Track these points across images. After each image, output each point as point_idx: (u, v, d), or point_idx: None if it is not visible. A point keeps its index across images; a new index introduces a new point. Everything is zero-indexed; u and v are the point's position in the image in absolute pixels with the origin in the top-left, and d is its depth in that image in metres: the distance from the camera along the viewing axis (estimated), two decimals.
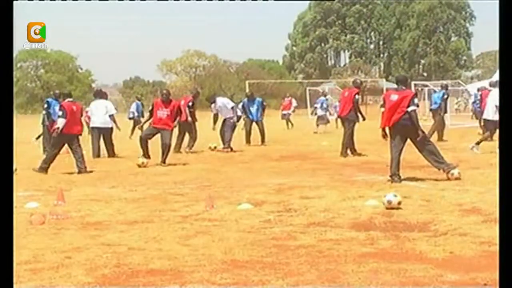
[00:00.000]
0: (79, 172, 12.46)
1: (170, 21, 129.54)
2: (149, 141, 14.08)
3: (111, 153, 16.09)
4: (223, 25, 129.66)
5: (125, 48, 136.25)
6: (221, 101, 17.87)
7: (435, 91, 22.92)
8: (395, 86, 10.91)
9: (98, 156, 16.00)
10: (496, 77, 29.19)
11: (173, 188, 10.25)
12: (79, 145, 12.89)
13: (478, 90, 24.68)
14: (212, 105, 17.70)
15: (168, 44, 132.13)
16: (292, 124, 31.18)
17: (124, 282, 4.95)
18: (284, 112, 32.81)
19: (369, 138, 17.36)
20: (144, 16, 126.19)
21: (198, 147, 17.46)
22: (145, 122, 15.10)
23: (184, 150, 16.89)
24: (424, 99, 37.08)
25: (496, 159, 10.57)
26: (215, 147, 17.32)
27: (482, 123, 19.71)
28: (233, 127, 17.39)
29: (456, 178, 10.17)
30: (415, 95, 10.71)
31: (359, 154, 14.92)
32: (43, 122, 16.99)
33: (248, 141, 19.13)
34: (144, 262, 5.47)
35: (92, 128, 16.67)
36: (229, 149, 16.93)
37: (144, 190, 9.98)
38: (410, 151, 10.69)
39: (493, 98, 14.04)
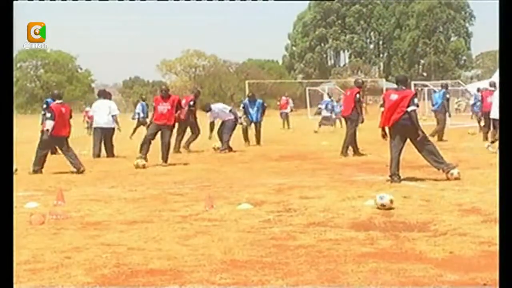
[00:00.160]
0: (78, 172, 12.45)
1: (170, 21, 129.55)
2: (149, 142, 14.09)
3: (110, 153, 16.08)
4: (223, 25, 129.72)
5: (125, 48, 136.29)
6: (217, 107, 17.87)
7: (435, 91, 22.94)
8: (395, 86, 10.92)
9: (99, 156, 16.00)
10: (495, 77, 29.22)
11: (173, 188, 10.24)
12: (69, 146, 12.91)
13: (478, 90, 24.71)
14: (208, 113, 17.66)
15: (168, 44, 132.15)
16: (288, 126, 31.20)
17: (123, 282, 4.95)
18: (281, 111, 32.95)
19: (369, 138, 17.35)
20: (144, 16, 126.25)
21: (199, 147, 17.47)
22: (151, 120, 15.23)
23: (182, 146, 16.92)
24: (424, 99, 37.12)
25: (496, 159, 10.57)
26: (218, 148, 17.36)
27: (482, 123, 19.74)
28: (232, 127, 17.38)
29: (456, 178, 10.17)
30: (415, 95, 10.71)
31: (361, 154, 14.92)
32: (42, 123, 16.97)
33: (246, 138, 19.13)
34: (144, 262, 5.47)
35: (95, 128, 16.65)
36: (228, 150, 16.92)
37: (144, 190, 9.98)
38: (409, 151, 10.69)
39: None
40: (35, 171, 12.51)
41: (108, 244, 6.18)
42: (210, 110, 17.55)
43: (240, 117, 18.25)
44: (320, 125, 27.01)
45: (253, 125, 19.47)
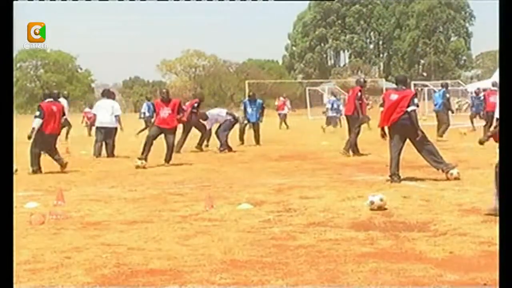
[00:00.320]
0: (62, 166, 12.60)
1: (170, 21, 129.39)
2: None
3: (111, 153, 16.06)
4: (223, 25, 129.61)
5: (125, 48, 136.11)
6: (213, 113, 17.87)
7: (435, 91, 22.95)
8: (395, 86, 10.92)
9: (99, 155, 16.00)
10: (495, 77, 29.23)
11: (173, 188, 10.25)
12: (55, 145, 13.13)
13: (477, 92, 24.75)
14: (206, 122, 17.66)
15: (168, 44, 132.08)
16: (287, 126, 31.20)
17: (123, 282, 4.95)
18: (279, 112, 33.02)
19: (369, 138, 17.35)
20: (144, 16, 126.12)
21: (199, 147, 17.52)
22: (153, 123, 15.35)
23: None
24: (424, 99, 37.12)
25: (496, 159, 10.55)
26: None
27: (483, 123, 19.75)
28: (229, 127, 17.39)
29: (456, 178, 10.18)
30: (415, 95, 10.71)
31: (361, 154, 14.93)
32: None
33: (241, 138, 19.12)
34: (144, 262, 5.47)
35: (97, 127, 16.64)
36: (227, 150, 16.94)
37: (144, 190, 9.98)
38: (409, 151, 10.69)
39: None
40: (34, 171, 12.51)
41: (108, 244, 6.18)
42: (207, 118, 17.53)
43: (238, 117, 18.27)
44: (327, 125, 27.02)
45: (251, 125, 19.53)
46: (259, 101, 19.98)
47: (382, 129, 10.66)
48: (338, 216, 7.42)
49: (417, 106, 10.48)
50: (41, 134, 12.67)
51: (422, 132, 10.37)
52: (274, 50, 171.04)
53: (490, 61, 76.05)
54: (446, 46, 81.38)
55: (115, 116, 16.33)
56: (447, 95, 20.33)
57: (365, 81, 16.76)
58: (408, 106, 10.18)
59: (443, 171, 10.33)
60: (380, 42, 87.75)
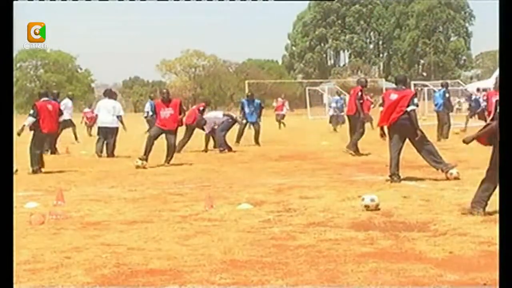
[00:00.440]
0: (33, 172, 12.54)
1: (170, 21, 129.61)
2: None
3: (111, 153, 16.05)
4: (223, 25, 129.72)
5: (125, 48, 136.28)
6: (210, 116, 17.83)
7: (434, 91, 22.93)
8: (394, 86, 10.92)
9: (101, 153, 16.01)
10: (494, 77, 29.19)
11: (173, 188, 10.25)
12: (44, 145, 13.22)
13: (471, 94, 24.75)
14: (205, 127, 17.64)
15: (168, 44, 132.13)
16: (284, 125, 31.19)
17: (123, 282, 4.95)
18: (277, 112, 32.95)
19: (369, 138, 17.32)
20: (144, 16, 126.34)
21: (199, 147, 17.49)
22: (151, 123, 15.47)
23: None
24: (424, 99, 37.11)
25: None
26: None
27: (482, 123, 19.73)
28: (227, 127, 17.38)
29: (455, 178, 10.18)
30: (415, 95, 10.71)
31: (360, 154, 14.93)
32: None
33: (238, 140, 19.12)
34: (144, 262, 5.47)
35: (99, 127, 16.65)
36: (227, 150, 16.93)
37: (144, 190, 9.98)
38: (409, 151, 10.69)
39: None
40: (34, 171, 12.51)
41: (108, 244, 6.18)
42: (205, 123, 17.50)
43: (236, 116, 18.26)
44: (334, 124, 27.01)
45: (251, 126, 19.56)
46: (257, 101, 20.00)
47: (381, 128, 10.66)
48: (338, 216, 7.42)
49: (417, 106, 10.48)
50: (38, 133, 12.68)
51: (422, 132, 10.37)
52: (274, 50, 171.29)
53: (490, 61, 76.09)
54: (446, 46, 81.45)
55: (118, 116, 16.33)
56: (447, 95, 20.32)
57: (366, 81, 16.76)
58: (408, 106, 10.18)
59: (442, 171, 10.33)
60: (380, 42, 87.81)
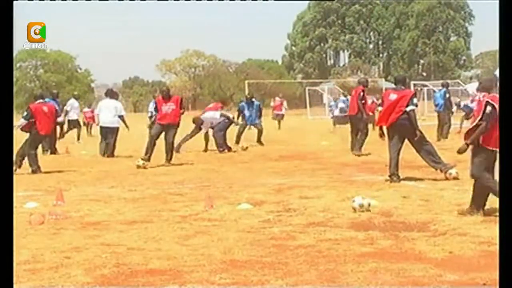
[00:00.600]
0: (32, 172, 12.50)
1: (170, 21, 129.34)
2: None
3: (111, 153, 16.03)
4: (223, 25, 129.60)
5: (125, 48, 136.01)
6: (207, 116, 17.80)
7: (435, 91, 22.90)
8: (394, 86, 10.93)
9: (104, 154, 16.01)
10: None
11: (173, 188, 10.25)
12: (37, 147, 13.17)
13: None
14: (201, 126, 17.65)
15: (168, 44, 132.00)
16: (279, 126, 30.78)
17: (123, 282, 4.95)
18: (275, 112, 32.46)
19: (369, 138, 17.31)
20: (144, 16, 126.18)
21: (199, 147, 17.50)
22: (153, 121, 15.71)
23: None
24: (423, 99, 37.10)
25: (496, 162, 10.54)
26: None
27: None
28: (224, 127, 17.36)
29: (454, 178, 10.18)
30: (414, 94, 10.72)
31: (359, 154, 14.93)
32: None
33: (237, 142, 19.08)
34: (143, 262, 5.47)
35: (100, 127, 16.65)
36: (227, 150, 16.93)
37: (144, 190, 9.98)
38: (408, 151, 10.69)
39: None
40: (34, 171, 12.52)
41: (108, 244, 6.18)
42: (202, 123, 17.50)
43: (233, 117, 18.22)
44: (335, 125, 26.96)
45: (252, 126, 19.56)
46: (256, 102, 19.97)
47: (380, 128, 10.67)
48: (337, 216, 7.42)
49: (416, 106, 10.49)
50: (35, 134, 12.69)
51: (421, 132, 10.37)
52: (273, 50, 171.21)
53: (489, 61, 76.01)
54: (446, 46, 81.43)
55: (119, 116, 16.33)
56: (447, 95, 20.32)
57: (367, 81, 16.76)
58: (407, 105, 10.19)
59: (441, 171, 10.34)
60: (380, 42, 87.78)
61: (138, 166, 13.22)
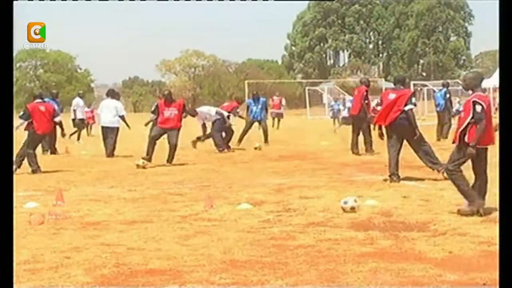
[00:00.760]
0: (33, 172, 12.50)
1: (170, 21, 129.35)
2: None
3: (110, 153, 16.03)
4: (222, 25, 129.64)
5: (125, 48, 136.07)
6: (203, 110, 17.85)
7: (435, 91, 22.88)
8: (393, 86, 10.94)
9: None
10: (494, 77, 29.16)
11: (173, 188, 10.25)
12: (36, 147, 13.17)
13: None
14: (196, 118, 17.67)
15: (167, 44, 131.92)
16: (278, 126, 30.49)
17: (123, 282, 4.95)
18: (273, 111, 32.05)
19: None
20: (144, 16, 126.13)
21: (199, 147, 17.52)
22: (148, 122, 15.67)
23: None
24: (423, 99, 37.08)
25: (496, 159, 10.56)
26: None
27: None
28: (220, 128, 17.34)
29: None
30: (413, 94, 10.72)
31: (360, 154, 14.93)
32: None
33: (240, 140, 19.07)
34: (143, 262, 5.47)
35: (101, 126, 16.66)
36: (226, 150, 16.92)
37: (143, 190, 9.98)
38: (408, 151, 10.69)
39: None
40: (33, 171, 12.52)
41: (108, 244, 6.18)
42: (196, 115, 17.50)
43: (228, 116, 18.15)
44: (340, 125, 26.98)
45: (259, 124, 19.77)
46: (262, 99, 20.22)
47: (380, 128, 10.67)
48: (337, 216, 7.42)
49: (415, 105, 10.49)
50: (33, 134, 12.71)
51: (419, 133, 10.37)
52: (273, 50, 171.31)
53: (489, 61, 76.05)
54: (446, 46, 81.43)
55: (120, 116, 16.33)
56: (448, 95, 20.32)
57: (368, 81, 16.78)
58: (406, 105, 10.19)
59: (438, 171, 10.33)
60: (380, 42, 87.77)
61: (138, 166, 13.21)
